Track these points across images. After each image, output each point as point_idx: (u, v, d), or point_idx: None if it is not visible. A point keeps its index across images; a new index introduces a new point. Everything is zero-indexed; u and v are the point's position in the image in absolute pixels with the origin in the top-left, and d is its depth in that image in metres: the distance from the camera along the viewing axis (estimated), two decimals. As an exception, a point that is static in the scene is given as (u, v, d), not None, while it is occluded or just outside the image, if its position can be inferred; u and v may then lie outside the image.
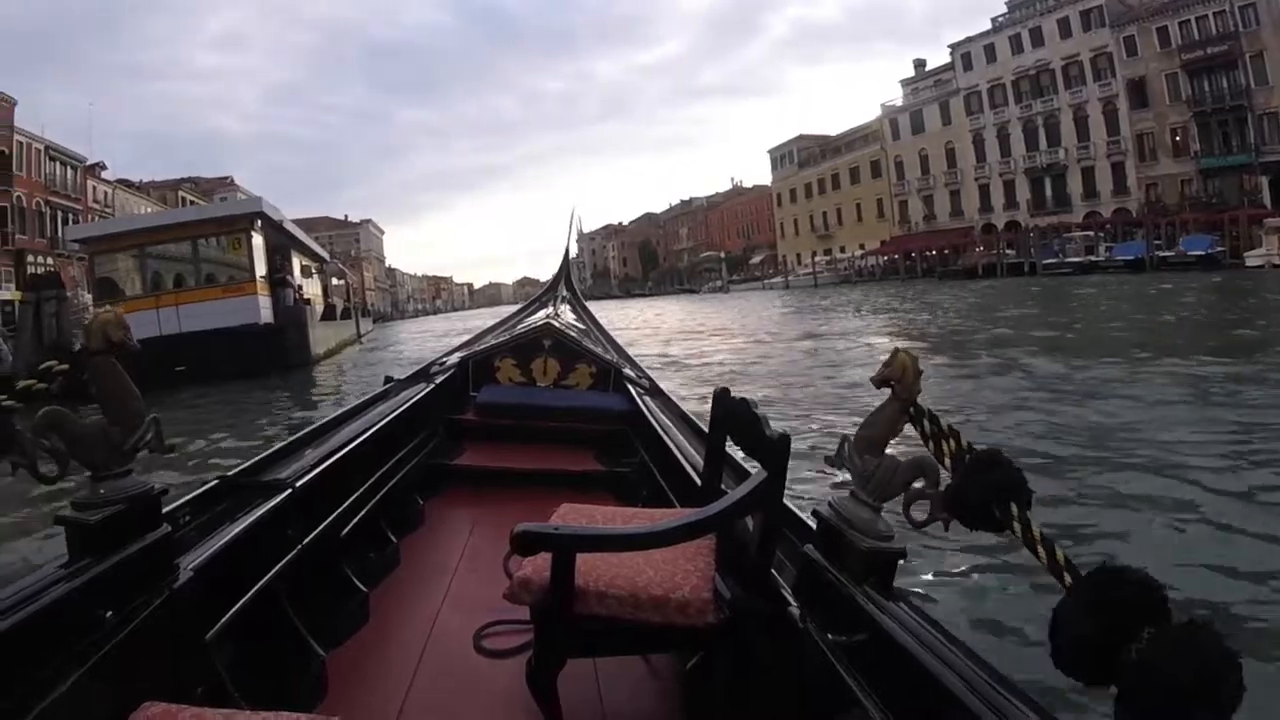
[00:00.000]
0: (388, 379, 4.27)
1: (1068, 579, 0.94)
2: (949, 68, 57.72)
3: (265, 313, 18.44)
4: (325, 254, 33.60)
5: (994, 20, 54.16)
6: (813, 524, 1.58)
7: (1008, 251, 45.58)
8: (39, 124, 41.45)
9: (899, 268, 53.30)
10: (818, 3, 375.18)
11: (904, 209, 60.77)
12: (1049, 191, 50.08)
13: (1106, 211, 46.28)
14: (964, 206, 55.84)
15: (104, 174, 48.48)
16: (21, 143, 39.13)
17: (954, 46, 56.65)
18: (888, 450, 1.46)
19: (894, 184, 61.65)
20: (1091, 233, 42.55)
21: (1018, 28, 51.71)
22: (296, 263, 24.39)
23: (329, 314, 27.58)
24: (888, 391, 1.45)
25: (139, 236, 18.75)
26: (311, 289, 26.96)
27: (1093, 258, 39.43)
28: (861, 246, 62.00)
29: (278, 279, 19.94)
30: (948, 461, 1.31)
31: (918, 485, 1.38)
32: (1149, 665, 0.74)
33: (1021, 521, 1.09)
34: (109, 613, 1.31)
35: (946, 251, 50.97)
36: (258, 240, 19.12)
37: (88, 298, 20.53)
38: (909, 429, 1.44)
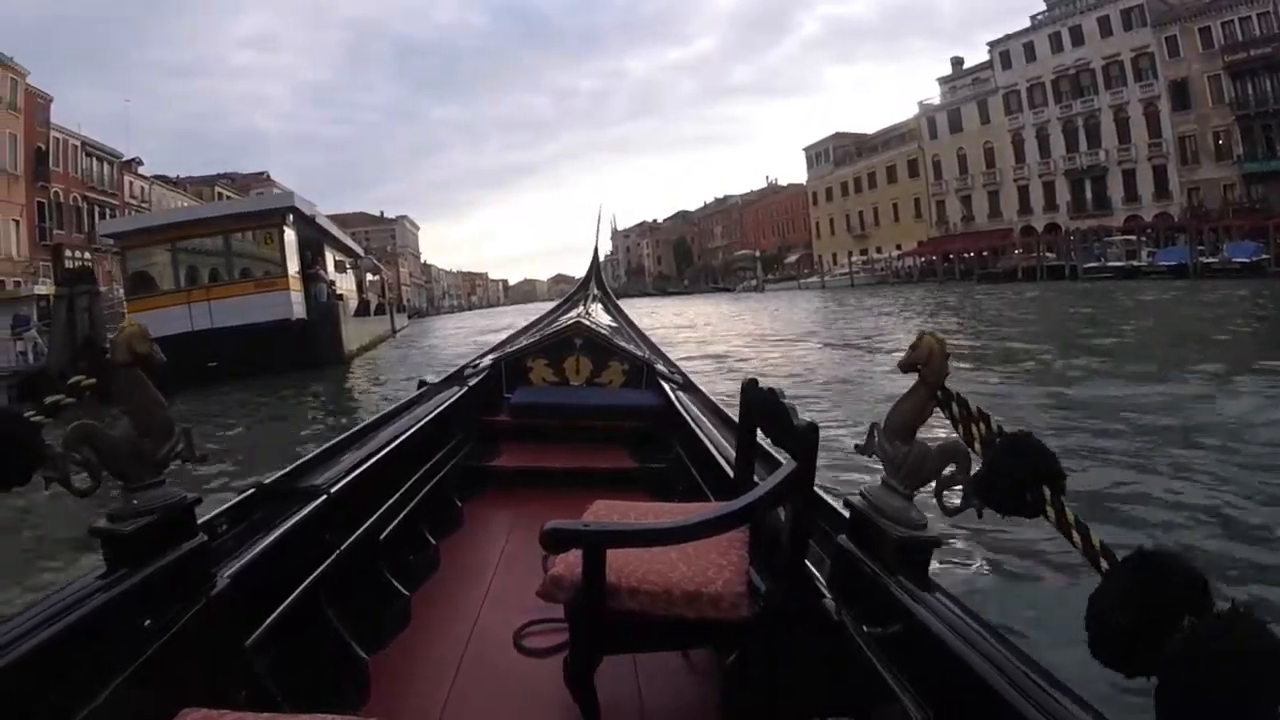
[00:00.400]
0: (421, 383, 4.27)
1: (1104, 565, 0.93)
2: (987, 66, 56.98)
3: (298, 308, 18.33)
4: (359, 249, 33.21)
5: (1033, 18, 53.42)
6: (846, 514, 1.58)
7: (1048, 254, 45.15)
8: (75, 121, 41.99)
9: (936, 269, 52.87)
10: (848, 0, 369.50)
11: (941, 209, 60.24)
12: (1089, 194, 49.27)
13: (1148, 215, 45.41)
14: (1002, 208, 55.24)
15: (140, 169, 49.34)
16: (58, 139, 39.94)
17: (993, 44, 55.93)
18: (918, 436, 1.45)
19: (931, 184, 61.06)
20: (1134, 237, 41.96)
21: (1057, 25, 50.92)
22: (330, 258, 24.20)
23: (363, 310, 27.36)
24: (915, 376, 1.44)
25: (171, 231, 18.66)
26: (345, 284, 26.56)
27: (1134, 262, 38.77)
28: (898, 247, 61.42)
29: (310, 274, 19.80)
30: (978, 446, 1.29)
31: (949, 471, 1.38)
32: (1190, 654, 0.70)
33: (1055, 506, 1.07)
34: (147, 621, 1.33)
35: (985, 253, 50.44)
36: (290, 235, 18.97)
37: (121, 292, 20.44)
38: (939, 414, 1.43)
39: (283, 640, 1.73)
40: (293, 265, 18.88)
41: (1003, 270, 46.13)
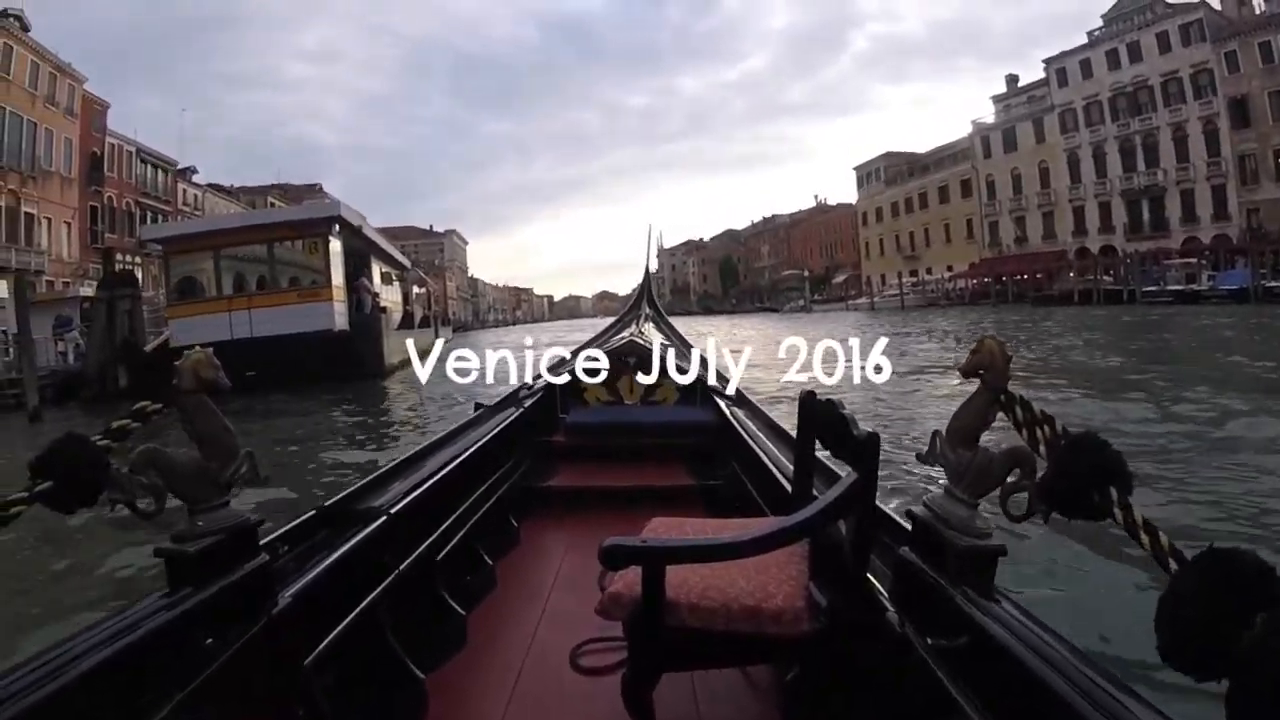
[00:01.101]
0: (478, 405, 4.22)
1: (1173, 566, 0.90)
2: (1043, 83, 55.80)
3: (340, 319, 17.96)
4: (406, 262, 33.07)
5: (1090, 34, 52.18)
6: (908, 525, 1.56)
7: (1104, 277, 43.79)
8: (133, 128, 43.53)
9: (989, 291, 51.45)
10: (900, 18, 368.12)
11: (994, 230, 58.99)
12: (1146, 215, 47.70)
13: (1206, 237, 43.73)
14: (1057, 229, 53.85)
15: (195, 178, 50.48)
16: (113, 145, 41.05)
17: (1048, 61, 54.80)
18: (981, 442, 1.42)
19: (984, 204, 59.91)
20: (1193, 260, 40.28)
21: (1115, 42, 49.65)
22: (376, 269, 23.94)
23: (407, 322, 26.95)
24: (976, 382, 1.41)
25: (215, 238, 18.37)
26: (391, 296, 26.25)
27: (1194, 286, 37.38)
28: (949, 268, 60.41)
29: (355, 285, 19.49)
30: (1043, 449, 1.27)
31: (1013, 477, 1.34)
32: (1263, 654, 0.67)
33: (1123, 507, 1.05)
34: (209, 639, 1.36)
35: (1039, 275, 49.05)
36: (335, 245, 18.58)
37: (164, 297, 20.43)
38: (1001, 419, 1.40)
39: (341, 660, 1.75)
40: (337, 276, 18.54)
41: (1058, 293, 44.55)
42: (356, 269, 20.54)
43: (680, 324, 7.22)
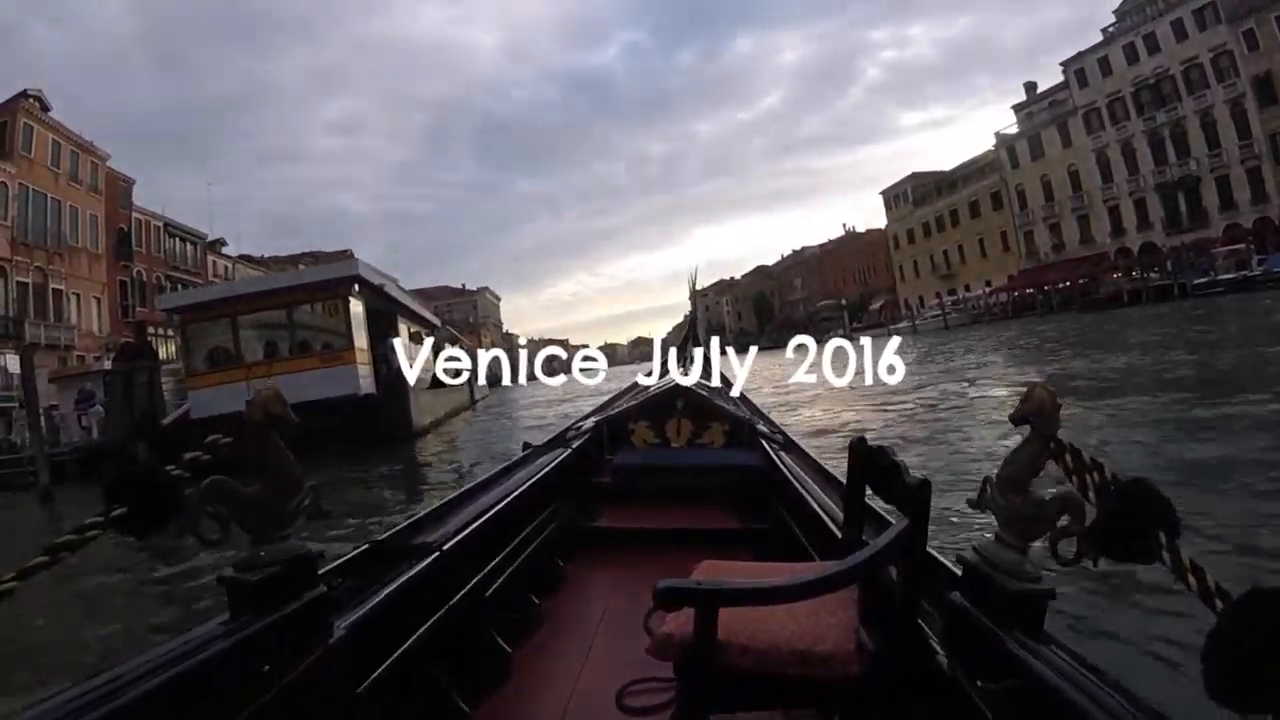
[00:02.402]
0: (526, 444, 4.32)
1: (1219, 605, 0.92)
2: (1063, 87, 54.78)
3: (365, 382, 17.36)
4: (436, 320, 32.72)
5: (1104, 31, 51.25)
6: (958, 570, 1.54)
7: (1150, 274, 42.22)
8: (165, 205, 44.35)
9: (1033, 302, 49.96)
10: (909, 43, 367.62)
11: (1030, 240, 57.46)
12: (1183, 207, 45.94)
13: (1246, 222, 42.00)
14: (1094, 231, 52.20)
15: (225, 250, 51.29)
16: (140, 220, 41.96)
17: (1066, 64, 53.80)
18: (1030, 488, 1.41)
19: (1017, 214, 58.51)
20: (1240, 246, 38.66)
21: (1130, 36, 48.55)
22: (404, 329, 23.36)
23: (436, 381, 25.53)
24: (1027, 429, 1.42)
25: (232, 305, 17.88)
26: (421, 356, 26.08)
27: (1246, 273, 35.98)
28: (987, 284, 58.94)
29: (382, 347, 18.91)
30: (1092, 495, 1.28)
31: (1063, 522, 1.34)
32: None
33: (1171, 550, 1.07)
34: (267, 666, 1.39)
35: (1082, 281, 47.51)
36: (356, 306, 18.09)
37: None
38: (1051, 466, 1.40)
39: (391, 692, 1.78)
40: (360, 338, 17.96)
41: (1106, 296, 43.00)
42: (383, 330, 20.03)
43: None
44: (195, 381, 17.83)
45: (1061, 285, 49.22)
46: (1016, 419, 1.42)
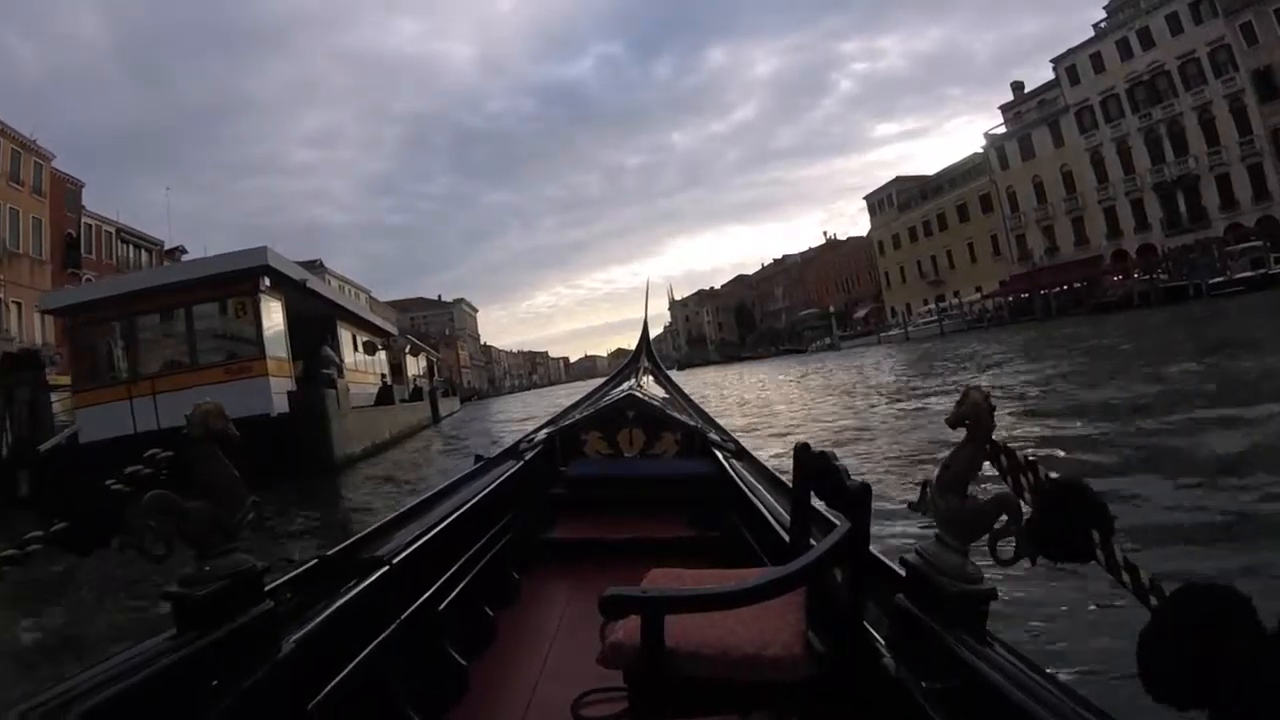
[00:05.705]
0: (478, 457, 4.17)
1: (1153, 601, 0.93)
2: (1053, 85, 53.23)
3: (280, 399, 14.28)
4: (391, 328, 29.26)
5: (1096, 26, 49.64)
6: (902, 572, 1.55)
7: (1159, 275, 40.41)
8: (135, 212, 41.83)
9: (1032, 307, 48.08)
10: (881, 54, 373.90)
11: (1022, 243, 55.72)
12: (1182, 206, 44.31)
13: (1249, 221, 40.48)
14: (1089, 234, 50.46)
15: (185, 257, 46.00)
16: (90, 225, 39.11)
17: (1056, 61, 52.27)
18: (969, 491, 1.43)
19: (1008, 217, 56.82)
20: (1259, 244, 36.85)
21: (1124, 31, 47.03)
22: (348, 336, 20.82)
23: (384, 397, 22.13)
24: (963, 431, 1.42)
25: (121, 305, 14.75)
26: (371, 368, 23.17)
27: (1264, 270, 34.21)
28: (978, 289, 57.20)
29: (320, 356, 16.13)
30: (1028, 495, 1.29)
31: (1001, 523, 1.35)
32: (1241, 681, 0.69)
33: (1105, 549, 1.08)
34: (215, 682, 1.37)
35: (1078, 285, 45.87)
36: (271, 304, 15.09)
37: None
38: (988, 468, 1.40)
39: (344, 706, 1.75)
40: (275, 345, 14.96)
41: (1112, 299, 40.95)
42: (319, 337, 17.15)
43: (691, 377, 5.38)
44: (84, 398, 14.66)
45: (1058, 289, 47.62)
46: (953, 422, 1.41)
